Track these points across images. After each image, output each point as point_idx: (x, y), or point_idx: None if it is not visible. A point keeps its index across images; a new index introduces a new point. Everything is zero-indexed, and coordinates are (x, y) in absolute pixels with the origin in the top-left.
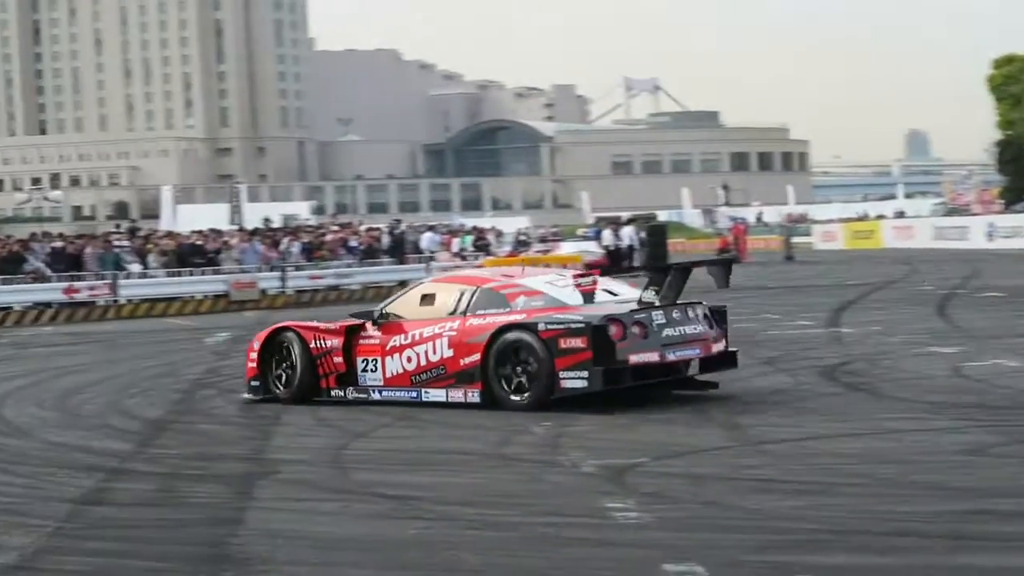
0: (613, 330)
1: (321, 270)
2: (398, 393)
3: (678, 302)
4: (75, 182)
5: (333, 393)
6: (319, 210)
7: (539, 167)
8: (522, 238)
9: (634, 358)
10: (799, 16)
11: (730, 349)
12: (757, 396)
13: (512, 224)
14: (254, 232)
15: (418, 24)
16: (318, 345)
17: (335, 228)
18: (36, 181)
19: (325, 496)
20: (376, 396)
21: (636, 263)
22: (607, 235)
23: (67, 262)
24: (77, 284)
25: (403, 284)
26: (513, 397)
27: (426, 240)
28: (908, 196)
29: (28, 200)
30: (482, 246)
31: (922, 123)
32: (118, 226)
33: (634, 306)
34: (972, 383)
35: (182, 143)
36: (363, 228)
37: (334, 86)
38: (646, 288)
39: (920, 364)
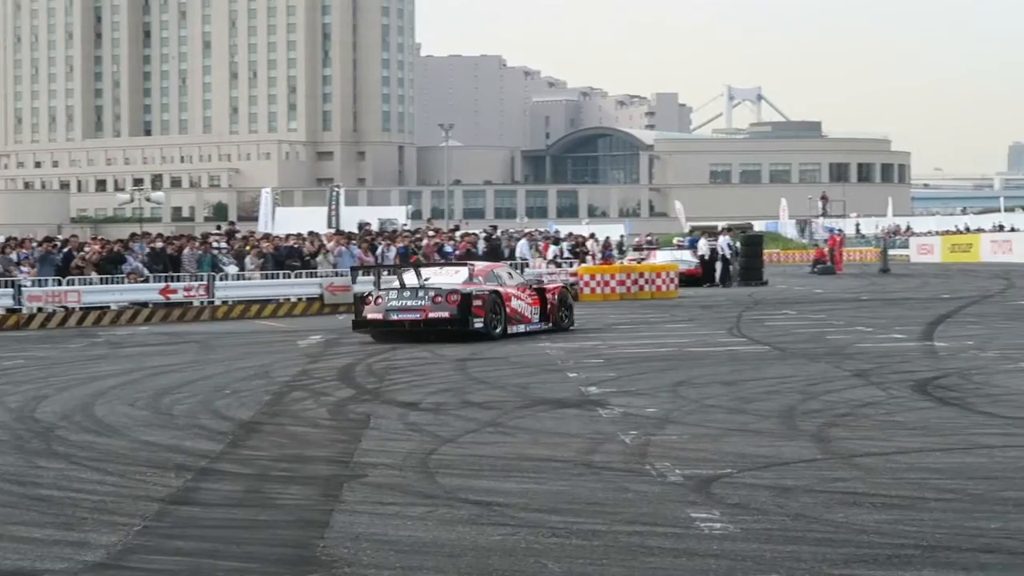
0: (366, 299)
1: None
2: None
3: (420, 286)
4: (176, 183)
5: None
6: (416, 215)
7: (637, 175)
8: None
9: (370, 316)
10: (906, 27)
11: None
12: (848, 408)
13: (606, 232)
14: (351, 236)
15: (523, 31)
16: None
17: (431, 233)
18: (138, 182)
19: (411, 500)
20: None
21: (731, 273)
22: (703, 244)
23: (165, 262)
24: (174, 285)
25: None
26: None
27: (521, 247)
28: (1009, 210)
29: (129, 200)
30: (580, 253)
31: None
32: (217, 227)
33: (389, 286)
34: None
35: (283, 146)
36: (459, 233)
37: (437, 91)
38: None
39: (1013, 379)
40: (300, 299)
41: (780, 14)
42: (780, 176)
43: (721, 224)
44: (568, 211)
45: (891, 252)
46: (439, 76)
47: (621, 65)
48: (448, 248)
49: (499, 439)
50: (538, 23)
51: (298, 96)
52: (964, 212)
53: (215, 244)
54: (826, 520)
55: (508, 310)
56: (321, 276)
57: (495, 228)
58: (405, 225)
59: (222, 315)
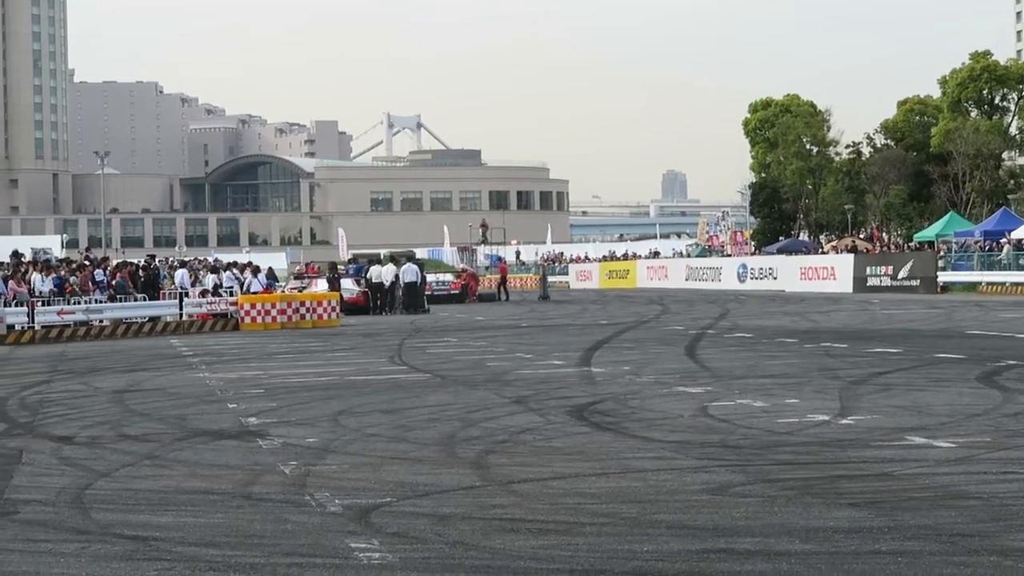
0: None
1: (71, 306)
2: None
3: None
4: None
5: None
6: (72, 243)
7: (298, 203)
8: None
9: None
10: (559, 56)
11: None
12: (507, 435)
13: (268, 260)
14: (1, 265)
15: (181, 57)
16: None
17: (87, 262)
18: None
19: (64, 537)
20: None
21: (398, 299)
22: (375, 271)
23: None
24: None
25: (154, 320)
26: None
27: (179, 276)
28: (664, 236)
29: None
30: (242, 282)
31: (679, 164)
32: None
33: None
34: (717, 423)
35: None
36: (115, 263)
37: (92, 118)
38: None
39: (667, 403)
40: None
41: (437, 44)
42: (441, 204)
43: (384, 251)
44: (229, 239)
45: (551, 279)
46: (94, 102)
47: (280, 93)
48: (99, 276)
49: (156, 472)
50: (196, 50)
51: None
52: (622, 239)
53: None
54: (484, 547)
55: None
56: None
57: (153, 257)
58: (58, 254)
59: None
